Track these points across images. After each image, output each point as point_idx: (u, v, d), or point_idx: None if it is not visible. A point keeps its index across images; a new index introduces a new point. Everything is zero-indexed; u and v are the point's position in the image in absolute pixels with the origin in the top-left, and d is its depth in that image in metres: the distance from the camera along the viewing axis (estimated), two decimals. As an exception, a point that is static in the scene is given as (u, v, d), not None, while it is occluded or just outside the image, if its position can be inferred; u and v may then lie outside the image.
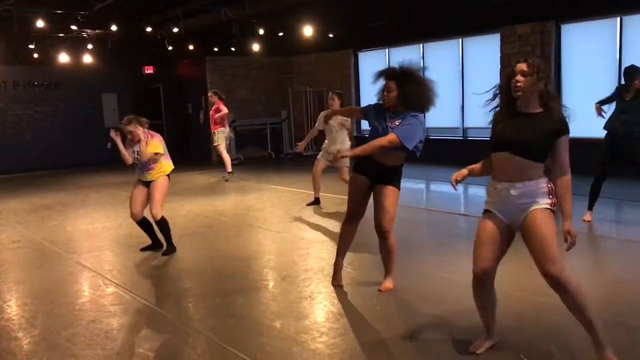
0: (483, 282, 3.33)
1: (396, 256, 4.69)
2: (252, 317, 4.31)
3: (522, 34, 10.89)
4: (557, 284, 3.09)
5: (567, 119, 3.22)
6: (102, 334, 4.03)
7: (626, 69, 6.69)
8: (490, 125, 3.40)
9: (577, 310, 3.14)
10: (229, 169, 11.28)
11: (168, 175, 6.16)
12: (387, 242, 4.58)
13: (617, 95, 6.69)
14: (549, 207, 3.18)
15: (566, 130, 3.19)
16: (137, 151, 5.98)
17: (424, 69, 4.56)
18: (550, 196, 3.20)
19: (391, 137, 4.27)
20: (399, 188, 4.53)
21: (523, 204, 3.18)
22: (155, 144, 5.98)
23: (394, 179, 4.51)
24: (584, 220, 6.66)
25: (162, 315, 4.42)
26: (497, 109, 3.38)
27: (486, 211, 3.35)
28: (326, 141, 8.44)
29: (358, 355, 3.59)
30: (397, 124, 4.33)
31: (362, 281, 4.97)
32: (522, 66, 3.19)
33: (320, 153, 8.47)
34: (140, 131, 5.93)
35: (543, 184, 3.20)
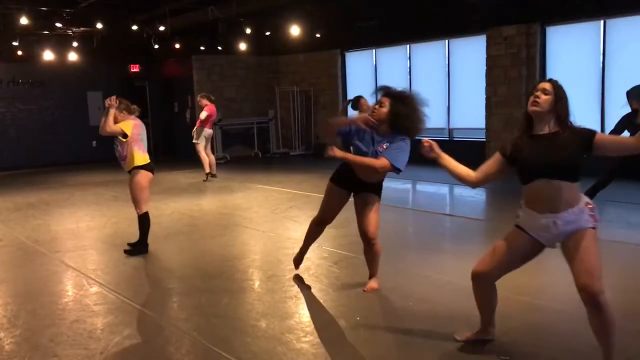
0: (479, 281, 3.43)
1: (380, 259, 4.72)
2: (237, 316, 4.30)
3: (508, 36, 10.97)
4: (594, 301, 2.99)
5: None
6: (86, 333, 4.00)
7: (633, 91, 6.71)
8: (505, 152, 3.34)
9: (601, 335, 3.09)
10: (207, 169, 11.13)
11: (146, 168, 5.94)
12: (374, 249, 4.62)
13: (629, 122, 6.70)
14: (592, 226, 3.14)
15: (593, 131, 3.17)
16: (116, 140, 5.87)
17: (421, 98, 4.64)
18: (592, 214, 3.16)
19: (383, 162, 4.26)
20: (380, 197, 4.62)
21: (567, 230, 3.15)
22: (126, 124, 5.77)
23: (377, 190, 4.60)
24: None
25: (147, 315, 4.40)
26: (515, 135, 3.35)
27: (519, 227, 3.31)
28: None
29: (342, 354, 3.59)
30: (384, 147, 4.32)
31: (347, 281, 4.98)
32: (545, 85, 3.25)
33: None
34: (123, 117, 5.83)
35: (584, 207, 3.16)
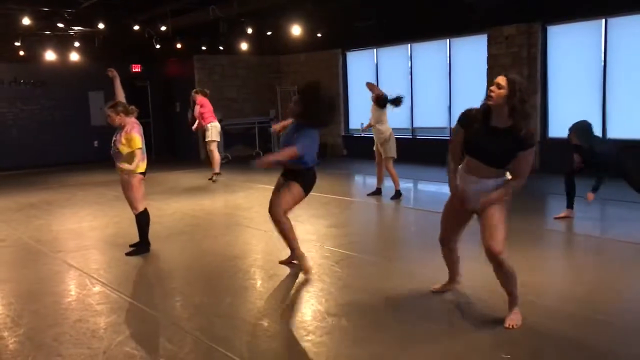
0: (443, 244, 4.31)
1: (289, 234, 5.11)
2: (239, 316, 4.32)
3: (509, 35, 10.97)
4: (495, 259, 3.74)
5: (532, 135, 3.70)
6: (89, 333, 4.02)
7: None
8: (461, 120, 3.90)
9: (505, 284, 3.88)
10: (217, 169, 11.12)
11: (139, 172, 5.91)
12: (278, 226, 5.14)
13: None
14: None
15: (527, 146, 3.65)
16: (115, 140, 5.86)
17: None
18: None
19: (292, 152, 4.86)
20: (300, 183, 5.07)
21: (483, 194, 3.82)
22: (135, 140, 5.78)
23: (297, 178, 5.07)
24: (556, 217, 6.89)
25: (149, 314, 4.41)
26: (473, 110, 3.86)
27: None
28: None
29: (344, 353, 3.61)
30: (294, 137, 4.93)
31: (349, 280, 5.00)
32: (500, 79, 3.65)
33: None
34: (121, 119, 5.84)
35: (501, 182, 3.81)
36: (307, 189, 5.15)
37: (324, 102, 5.03)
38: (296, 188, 5.07)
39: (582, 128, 6.58)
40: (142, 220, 6.04)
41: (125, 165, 5.78)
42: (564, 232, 6.57)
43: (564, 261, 5.71)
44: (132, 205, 6.00)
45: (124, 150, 5.79)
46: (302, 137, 4.91)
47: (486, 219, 3.79)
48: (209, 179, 11.07)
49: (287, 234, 5.16)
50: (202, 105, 11.03)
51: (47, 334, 4.03)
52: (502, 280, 3.87)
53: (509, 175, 3.85)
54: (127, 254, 6.00)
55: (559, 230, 6.60)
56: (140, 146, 5.83)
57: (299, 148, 4.86)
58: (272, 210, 5.15)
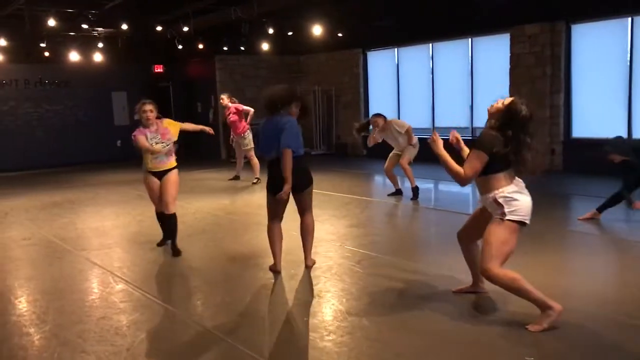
0: (458, 238, 4.44)
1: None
2: (260, 315, 4.33)
3: (532, 34, 10.85)
4: (484, 275, 3.93)
5: (481, 136, 3.94)
6: (112, 330, 4.07)
7: None
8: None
9: (515, 295, 3.88)
10: (257, 174, 10.75)
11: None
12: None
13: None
14: (499, 215, 3.87)
15: (474, 144, 3.92)
16: (159, 135, 5.89)
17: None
18: (500, 204, 3.86)
19: (287, 154, 4.94)
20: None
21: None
22: (172, 123, 6.04)
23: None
24: (580, 219, 6.80)
25: (171, 312, 4.45)
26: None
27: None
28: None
29: (365, 353, 3.60)
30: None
31: (370, 280, 4.99)
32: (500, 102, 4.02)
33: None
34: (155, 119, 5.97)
35: (495, 197, 3.90)
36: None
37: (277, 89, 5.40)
38: (310, 195, 5.26)
39: (617, 144, 6.52)
40: (175, 221, 6.07)
41: (173, 158, 5.97)
42: (589, 234, 6.48)
43: (589, 263, 5.62)
44: (172, 204, 5.97)
45: (176, 136, 5.96)
46: (286, 132, 4.97)
47: (486, 233, 3.90)
48: (253, 183, 10.73)
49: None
50: (237, 112, 10.84)
51: (72, 330, 4.09)
52: (511, 292, 3.89)
53: (505, 191, 3.85)
54: (177, 255, 5.98)
55: (584, 231, 6.51)
56: (177, 130, 6.07)
57: (287, 144, 4.93)
58: (307, 218, 5.32)
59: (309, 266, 5.33)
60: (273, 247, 5.24)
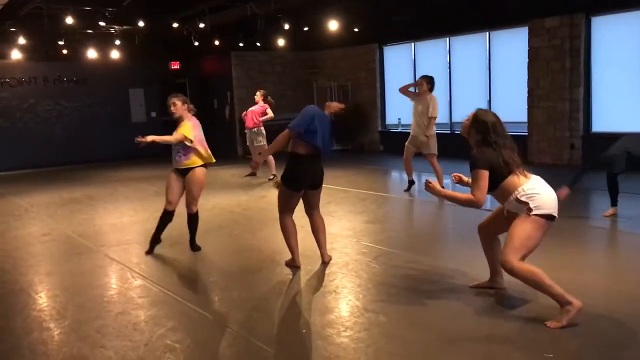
0: (479, 230, 4.46)
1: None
2: (277, 310, 4.34)
3: (551, 27, 10.71)
4: (505, 268, 3.88)
5: (473, 157, 3.98)
6: (130, 325, 4.10)
7: None
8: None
9: (533, 288, 3.90)
10: (274, 170, 10.76)
11: (205, 167, 5.99)
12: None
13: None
14: (526, 212, 3.87)
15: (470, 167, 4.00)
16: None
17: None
18: (523, 202, 3.88)
19: (285, 134, 5.35)
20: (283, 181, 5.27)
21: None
22: (186, 127, 5.80)
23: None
24: (605, 215, 6.68)
25: (189, 308, 4.47)
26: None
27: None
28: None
29: (383, 349, 3.59)
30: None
31: (386, 277, 4.97)
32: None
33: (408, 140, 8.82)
34: (183, 110, 5.94)
35: (516, 197, 3.94)
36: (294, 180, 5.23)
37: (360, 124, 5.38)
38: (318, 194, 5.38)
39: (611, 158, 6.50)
40: (196, 221, 6.06)
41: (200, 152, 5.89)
42: (610, 230, 6.38)
43: (610, 260, 5.55)
44: (193, 204, 5.94)
45: (176, 135, 5.80)
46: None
47: (512, 226, 3.91)
48: (269, 179, 10.70)
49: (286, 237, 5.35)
50: (266, 113, 11.01)
51: (91, 326, 4.13)
52: (529, 285, 3.89)
53: (523, 189, 3.88)
54: (196, 250, 6.02)
55: (604, 227, 6.42)
56: (190, 136, 5.79)
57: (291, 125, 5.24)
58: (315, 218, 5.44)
59: (325, 262, 5.33)
60: (289, 241, 5.25)
